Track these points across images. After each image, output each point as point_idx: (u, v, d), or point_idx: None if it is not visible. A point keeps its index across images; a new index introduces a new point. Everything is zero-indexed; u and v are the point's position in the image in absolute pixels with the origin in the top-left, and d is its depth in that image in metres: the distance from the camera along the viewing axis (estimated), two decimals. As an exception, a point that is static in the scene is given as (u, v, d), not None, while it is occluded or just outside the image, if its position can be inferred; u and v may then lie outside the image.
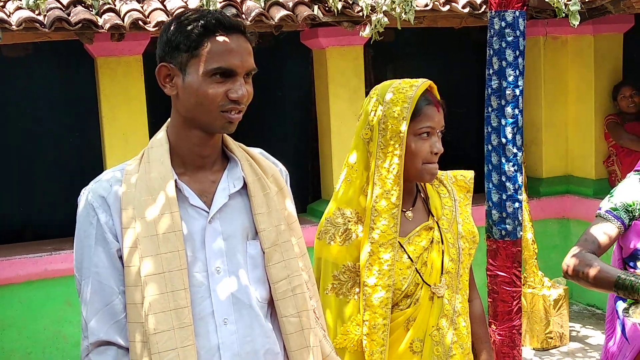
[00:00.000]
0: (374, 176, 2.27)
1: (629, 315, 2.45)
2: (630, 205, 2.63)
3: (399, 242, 2.28)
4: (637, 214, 2.63)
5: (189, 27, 1.82)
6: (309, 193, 6.84)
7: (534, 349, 5.84)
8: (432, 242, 2.33)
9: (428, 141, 2.26)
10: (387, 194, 2.25)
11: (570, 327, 6.08)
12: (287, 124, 7.29)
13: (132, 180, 1.85)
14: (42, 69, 6.75)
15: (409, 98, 2.25)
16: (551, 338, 5.85)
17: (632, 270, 2.65)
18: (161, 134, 1.92)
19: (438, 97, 2.32)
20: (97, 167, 5.68)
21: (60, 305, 5.51)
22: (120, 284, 1.83)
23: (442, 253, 2.33)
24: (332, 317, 2.28)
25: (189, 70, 1.81)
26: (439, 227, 2.36)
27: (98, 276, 1.82)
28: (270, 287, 1.92)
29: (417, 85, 2.27)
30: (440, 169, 2.40)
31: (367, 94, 6.73)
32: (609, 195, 2.70)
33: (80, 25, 4.88)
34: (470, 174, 2.50)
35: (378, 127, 2.27)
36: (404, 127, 2.23)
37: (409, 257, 2.28)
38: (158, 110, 5.61)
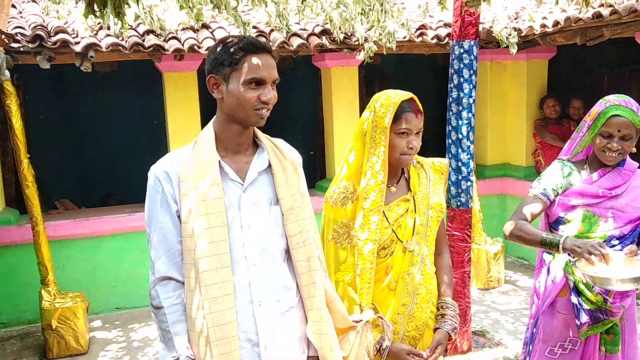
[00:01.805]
0: (368, 161, 2.25)
1: (576, 267, 2.43)
2: (556, 187, 2.60)
3: (383, 210, 2.26)
4: (560, 191, 2.61)
5: (231, 49, 1.82)
6: (317, 174, 6.83)
7: (478, 288, 5.83)
8: (407, 210, 2.31)
9: (405, 139, 2.23)
10: (376, 174, 2.24)
11: (505, 273, 6.07)
12: (301, 123, 7.27)
13: (188, 160, 1.85)
14: (124, 81, 6.74)
15: (393, 104, 2.23)
16: (491, 281, 5.83)
17: (555, 231, 2.63)
18: (209, 127, 1.92)
19: (420, 106, 2.28)
20: (163, 151, 5.68)
21: (135, 252, 5.52)
22: (178, 236, 1.83)
23: (415, 219, 2.31)
24: (333, 259, 2.27)
25: (231, 80, 1.82)
26: (414, 199, 2.33)
27: (162, 230, 1.83)
28: (287, 239, 1.91)
29: (400, 95, 2.25)
30: (421, 155, 2.41)
31: (360, 103, 6.72)
32: (538, 179, 2.67)
33: (151, 48, 4.84)
34: (445, 161, 2.46)
35: (372, 124, 2.26)
36: (387, 125, 2.22)
37: (387, 221, 2.27)
38: (207, 111, 5.61)
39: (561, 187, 2.60)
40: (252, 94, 1.80)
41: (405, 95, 2.25)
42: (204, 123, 5.74)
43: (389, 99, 2.25)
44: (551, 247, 2.43)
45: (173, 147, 5.57)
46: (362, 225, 2.24)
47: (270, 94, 1.82)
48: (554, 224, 2.65)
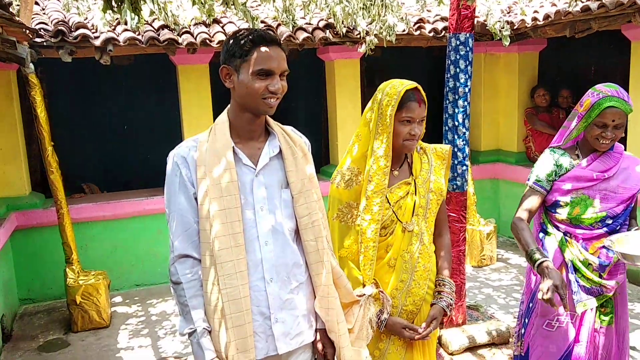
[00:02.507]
0: (373, 146, 2.24)
1: (613, 247, 2.40)
2: (549, 174, 2.59)
3: (385, 193, 2.25)
4: (555, 178, 2.59)
5: (242, 41, 1.80)
6: (322, 159, 6.82)
7: (472, 266, 5.84)
8: (408, 193, 2.30)
9: (408, 126, 2.21)
10: (380, 159, 2.22)
11: (497, 252, 6.08)
12: (307, 112, 7.24)
13: (204, 147, 1.84)
14: (141, 73, 6.72)
15: (398, 92, 2.20)
16: (484, 259, 5.84)
17: (552, 214, 2.63)
18: (223, 115, 1.90)
19: (424, 95, 2.25)
20: (178, 138, 5.67)
21: (153, 233, 5.53)
22: (195, 217, 1.82)
23: (415, 202, 2.29)
24: (337, 236, 2.27)
25: (241, 71, 1.79)
26: (415, 183, 2.31)
27: (181, 211, 1.82)
28: (296, 220, 1.91)
29: (405, 84, 2.22)
30: (425, 141, 2.41)
31: (362, 93, 6.68)
32: (532, 170, 2.65)
33: (166, 42, 4.82)
34: (447, 147, 2.43)
35: (377, 112, 2.23)
36: (391, 113, 2.19)
37: (389, 202, 2.26)
38: (218, 102, 5.60)
39: (555, 174, 2.58)
40: (261, 84, 1.78)
41: (410, 84, 2.22)
42: (215, 113, 5.75)
43: (394, 88, 2.22)
44: (531, 262, 2.44)
45: (187, 135, 5.56)
46: (365, 207, 2.23)
47: (278, 84, 1.79)
48: (550, 208, 2.63)
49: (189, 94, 5.56)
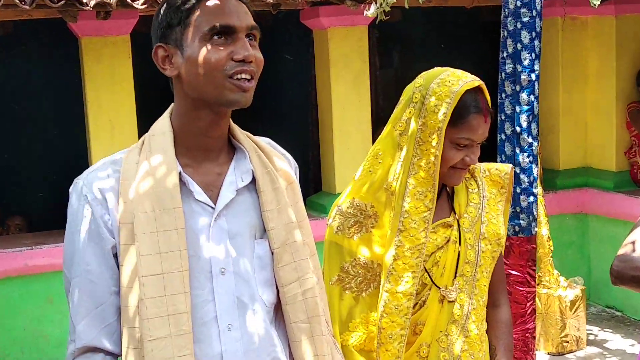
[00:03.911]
0: (406, 174, 2.24)
1: None
2: None
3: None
4: None
5: (178, 1, 1.81)
6: (310, 185, 6.84)
7: (548, 353, 5.83)
8: (448, 241, 2.31)
9: (463, 151, 2.22)
10: (420, 195, 2.23)
11: (587, 330, 6.07)
12: (285, 110, 7.27)
13: (132, 170, 1.81)
14: (22, 50, 6.74)
15: (452, 93, 2.18)
16: (567, 342, 5.84)
17: None
18: (163, 121, 1.87)
19: (488, 100, 2.25)
20: (81, 154, 5.67)
21: (40, 302, 5.47)
22: (114, 285, 1.80)
23: (458, 254, 2.31)
24: (336, 311, 2.27)
25: (185, 43, 1.78)
26: (459, 225, 2.33)
27: (89, 275, 1.79)
28: (278, 291, 1.89)
29: (463, 81, 2.21)
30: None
31: (371, 77, 6.71)
32: None
33: (63, 2, 4.85)
34: (506, 168, 2.43)
35: (417, 120, 2.22)
36: (441, 125, 2.18)
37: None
38: (147, 94, 5.62)
39: None
40: (220, 53, 1.75)
41: (471, 81, 2.22)
42: (141, 113, 5.76)
43: (447, 85, 2.21)
44: None
45: (95, 148, 5.55)
46: (392, 272, 2.24)
47: (248, 50, 1.76)
48: None
49: (99, 81, 5.58)
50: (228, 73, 1.75)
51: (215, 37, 1.76)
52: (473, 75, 2.25)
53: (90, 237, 1.80)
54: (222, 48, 1.76)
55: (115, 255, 1.80)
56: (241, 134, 1.93)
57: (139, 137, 1.93)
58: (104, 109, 5.59)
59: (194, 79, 1.79)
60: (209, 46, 1.76)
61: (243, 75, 1.76)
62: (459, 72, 2.26)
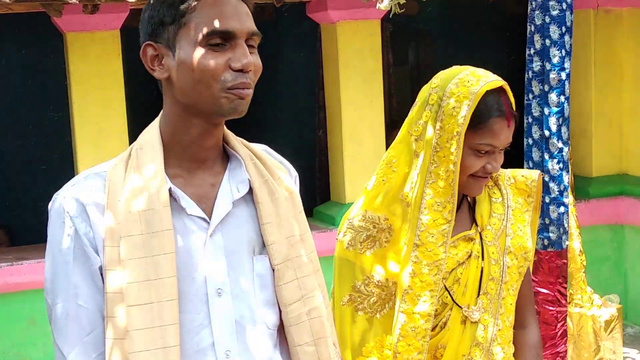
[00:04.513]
0: (423, 184, 2.24)
1: None
2: None
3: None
4: None
5: None
6: (316, 194, 6.84)
7: (581, 379, 5.83)
8: (470, 255, 2.32)
9: (484, 158, 2.23)
10: (439, 206, 2.23)
11: (624, 353, 6.06)
12: (290, 112, 7.29)
13: (117, 186, 1.80)
14: (2, 47, 6.77)
15: (472, 95, 2.18)
16: (602, 366, 5.83)
17: None
18: (152, 131, 1.87)
19: (512, 102, 2.25)
20: (66, 161, 5.69)
21: (22, 324, 5.50)
22: (104, 310, 1.78)
23: (481, 270, 2.32)
24: (348, 333, 2.28)
25: (179, 44, 1.78)
26: (481, 238, 2.33)
27: (77, 298, 1.78)
28: (280, 310, 1.90)
29: (484, 81, 2.20)
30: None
31: (384, 76, 6.72)
32: None
33: (47, -6, 4.89)
34: (534, 175, 2.43)
35: (434, 124, 2.23)
36: (460, 129, 2.19)
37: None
38: (138, 96, 5.63)
39: None
40: (217, 59, 1.75)
41: (493, 81, 2.22)
42: (131, 115, 5.77)
43: (466, 86, 2.21)
44: None
45: (81, 154, 5.57)
46: (408, 289, 2.25)
47: (248, 58, 1.77)
48: None
49: (86, 81, 5.59)
50: (226, 85, 1.76)
51: (213, 41, 1.76)
52: (495, 75, 2.25)
53: (76, 257, 1.79)
54: (219, 54, 1.76)
55: (101, 275, 1.79)
56: (235, 140, 1.93)
57: (130, 144, 1.93)
58: (91, 113, 5.59)
59: (187, 84, 1.79)
60: (204, 50, 1.76)
61: (241, 87, 1.77)
62: (480, 71, 2.26)
